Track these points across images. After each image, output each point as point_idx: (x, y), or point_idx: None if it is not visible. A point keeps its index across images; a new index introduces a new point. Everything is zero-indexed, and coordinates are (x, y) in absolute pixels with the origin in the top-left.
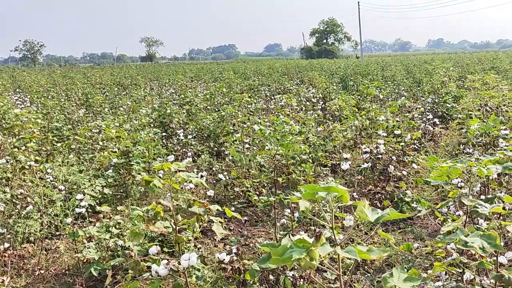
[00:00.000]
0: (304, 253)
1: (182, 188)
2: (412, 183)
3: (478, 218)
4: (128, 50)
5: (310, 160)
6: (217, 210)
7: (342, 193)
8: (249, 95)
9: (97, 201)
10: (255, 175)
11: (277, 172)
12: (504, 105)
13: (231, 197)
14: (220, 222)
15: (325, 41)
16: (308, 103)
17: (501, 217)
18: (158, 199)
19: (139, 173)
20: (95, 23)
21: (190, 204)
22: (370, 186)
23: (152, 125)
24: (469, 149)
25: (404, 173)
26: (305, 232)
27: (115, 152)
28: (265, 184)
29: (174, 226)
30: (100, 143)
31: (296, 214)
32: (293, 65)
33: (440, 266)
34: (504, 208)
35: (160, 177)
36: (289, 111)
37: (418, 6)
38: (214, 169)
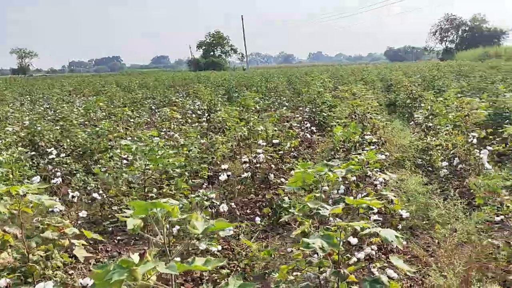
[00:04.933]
0: (125, 274)
1: (52, 211)
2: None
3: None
4: None
5: (187, 173)
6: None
7: (168, 209)
8: (132, 108)
9: None
10: (125, 192)
11: (150, 188)
12: (368, 112)
13: (109, 216)
14: (83, 244)
15: (212, 53)
16: (194, 115)
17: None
18: (3, 226)
19: None
20: None
21: (43, 229)
22: (252, 194)
23: (19, 144)
24: (339, 154)
25: (283, 180)
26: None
27: None
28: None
29: (27, 255)
30: None
31: (175, 229)
32: (180, 77)
33: (286, 268)
34: (349, 209)
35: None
36: (173, 124)
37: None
38: (89, 188)
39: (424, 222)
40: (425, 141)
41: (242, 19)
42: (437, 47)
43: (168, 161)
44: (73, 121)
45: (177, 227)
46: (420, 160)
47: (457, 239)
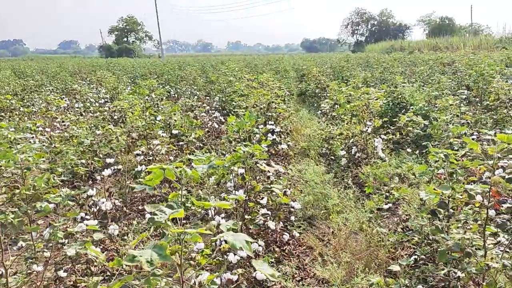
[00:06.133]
0: None
1: None
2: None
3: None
4: None
5: (60, 169)
6: None
7: None
8: (22, 97)
9: None
10: None
11: (9, 188)
12: (273, 102)
13: None
14: None
15: (125, 39)
16: (97, 103)
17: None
18: None
19: None
20: None
21: None
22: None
23: None
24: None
25: None
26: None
27: None
28: None
29: None
30: None
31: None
32: (89, 64)
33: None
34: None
35: None
36: (70, 114)
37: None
38: None
39: (322, 211)
40: (327, 130)
41: (156, 4)
42: (349, 40)
43: (29, 156)
44: None
45: None
46: (324, 149)
47: (350, 228)
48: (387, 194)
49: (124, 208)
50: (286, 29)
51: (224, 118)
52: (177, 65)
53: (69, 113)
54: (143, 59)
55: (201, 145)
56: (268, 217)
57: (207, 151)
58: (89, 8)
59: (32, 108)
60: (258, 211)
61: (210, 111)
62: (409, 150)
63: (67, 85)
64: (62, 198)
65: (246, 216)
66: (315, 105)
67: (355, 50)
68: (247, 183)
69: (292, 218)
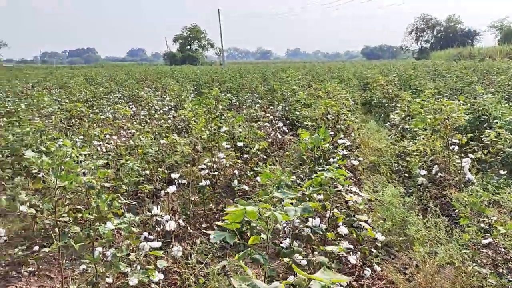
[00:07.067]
0: None
1: None
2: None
3: None
4: None
5: (124, 187)
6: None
7: None
8: (93, 104)
9: None
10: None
11: (72, 210)
12: (342, 113)
13: None
14: None
15: (189, 47)
16: (161, 111)
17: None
18: None
19: None
20: None
21: None
22: (211, 205)
23: None
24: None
25: (247, 188)
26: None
27: None
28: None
29: None
30: None
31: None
32: (154, 71)
33: None
34: None
35: None
36: (136, 122)
37: (275, 15)
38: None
39: (401, 238)
40: (401, 145)
41: (219, 12)
42: (412, 46)
43: (92, 176)
44: (20, 117)
45: None
46: (396, 165)
47: (438, 262)
48: (487, 227)
49: (189, 228)
50: (345, 36)
51: (287, 128)
52: (238, 73)
53: (134, 121)
54: (205, 66)
55: (264, 156)
56: (350, 251)
57: (272, 163)
58: (156, 17)
59: (101, 115)
60: (338, 243)
61: (273, 121)
62: (502, 171)
63: (133, 92)
64: (125, 226)
65: (327, 248)
66: (382, 115)
67: (419, 57)
68: (328, 212)
69: (373, 250)
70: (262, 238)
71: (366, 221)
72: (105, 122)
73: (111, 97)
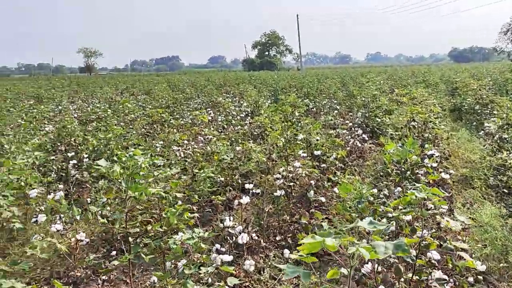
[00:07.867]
0: None
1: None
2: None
3: None
4: (68, 61)
5: (196, 196)
6: None
7: None
8: (173, 109)
9: None
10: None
11: (133, 224)
12: (430, 121)
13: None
14: None
15: (267, 53)
16: (239, 117)
17: None
18: None
19: None
20: (31, 33)
21: None
22: (285, 216)
23: (47, 146)
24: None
25: (323, 199)
26: None
27: None
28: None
29: None
30: None
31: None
32: (233, 77)
33: None
34: None
35: None
36: (213, 128)
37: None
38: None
39: (502, 265)
40: (499, 157)
41: (298, 18)
42: (508, 48)
43: (165, 187)
44: (107, 122)
45: None
46: (493, 179)
47: None
48: None
49: (262, 241)
50: (430, 38)
51: (367, 136)
52: (315, 78)
53: (212, 126)
54: (282, 71)
55: (343, 166)
56: (444, 284)
57: (350, 173)
58: (235, 24)
59: (181, 120)
60: (430, 272)
61: (353, 128)
62: None
63: (212, 98)
64: (194, 242)
65: (414, 277)
66: (474, 123)
67: None
68: (420, 237)
69: (471, 279)
70: (343, 273)
71: (463, 249)
72: (184, 128)
73: (191, 103)
